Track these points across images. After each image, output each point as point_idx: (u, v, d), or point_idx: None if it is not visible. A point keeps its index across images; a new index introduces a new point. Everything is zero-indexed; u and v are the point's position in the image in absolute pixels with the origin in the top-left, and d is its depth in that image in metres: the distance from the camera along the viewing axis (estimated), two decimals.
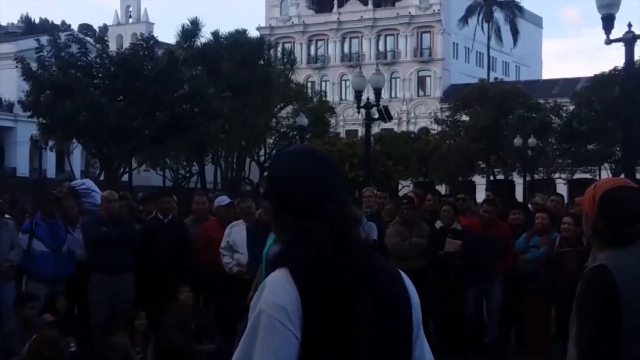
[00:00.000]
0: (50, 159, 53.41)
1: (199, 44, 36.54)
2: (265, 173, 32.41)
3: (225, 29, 43.77)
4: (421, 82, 71.56)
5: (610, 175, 46.10)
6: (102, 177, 33.37)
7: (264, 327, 2.21)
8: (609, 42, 13.61)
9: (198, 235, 10.06)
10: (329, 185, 2.34)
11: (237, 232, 9.51)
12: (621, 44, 13.85)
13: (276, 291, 2.24)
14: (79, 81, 28.75)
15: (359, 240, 2.38)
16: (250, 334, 2.24)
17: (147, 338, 8.86)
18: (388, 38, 72.33)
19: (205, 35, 37.11)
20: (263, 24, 75.37)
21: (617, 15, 13.64)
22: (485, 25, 65.33)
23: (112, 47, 41.98)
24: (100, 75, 30.78)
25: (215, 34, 36.35)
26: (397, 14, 70.77)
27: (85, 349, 8.70)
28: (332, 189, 2.34)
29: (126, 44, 40.70)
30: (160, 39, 34.89)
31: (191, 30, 36.33)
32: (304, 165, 2.35)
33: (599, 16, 13.54)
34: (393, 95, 69.84)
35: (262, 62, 36.88)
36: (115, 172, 32.29)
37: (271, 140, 47.21)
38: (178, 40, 36.93)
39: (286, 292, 2.23)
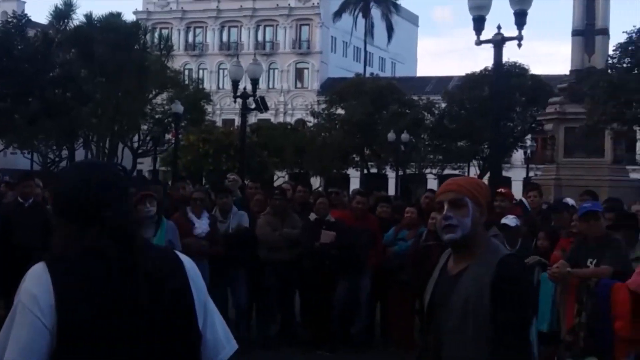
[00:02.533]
0: None
1: (72, 25, 35.44)
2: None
3: (101, 11, 42.68)
4: (299, 74, 71.86)
5: (478, 171, 47.61)
6: None
7: (18, 316, 2.35)
8: (479, 42, 13.99)
9: None
10: (107, 194, 2.54)
11: None
12: (491, 45, 14.23)
13: (32, 281, 2.40)
14: None
15: (141, 238, 2.59)
16: (8, 323, 2.37)
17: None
18: (267, 29, 72.28)
19: (79, 17, 36.06)
20: (140, 8, 73.89)
21: (488, 17, 14.04)
22: (362, 21, 66.11)
23: None
24: None
25: (88, 16, 35.35)
26: (277, 5, 70.78)
27: None
28: (110, 198, 2.54)
29: None
30: (33, 18, 33.71)
31: (64, 11, 35.17)
32: (82, 178, 2.56)
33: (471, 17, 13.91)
34: (271, 86, 69.85)
35: (138, 47, 36.15)
36: None
37: (146, 127, 46.41)
38: (51, 21, 35.71)
39: (41, 282, 2.39)
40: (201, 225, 9.54)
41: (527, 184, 12.49)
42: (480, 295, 3.25)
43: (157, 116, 46.17)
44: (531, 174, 44.39)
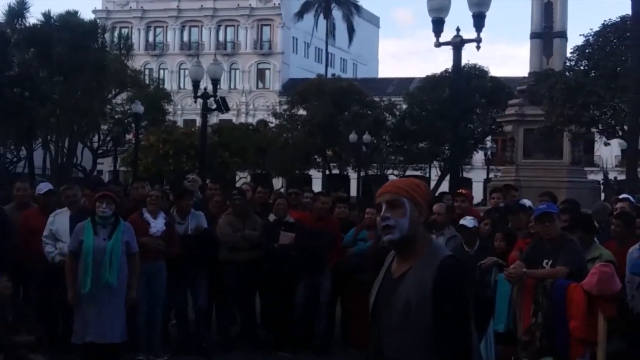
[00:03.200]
0: None
1: (28, 24, 34.94)
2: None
3: (59, 10, 42.14)
4: (260, 75, 71.72)
5: (439, 172, 47.89)
6: None
7: None
8: (438, 45, 14.08)
9: (18, 223, 9.62)
10: None
11: (60, 221, 9.20)
12: (451, 47, 14.33)
13: None
14: None
15: None
16: None
17: None
18: (228, 29, 72.03)
19: (36, 16, 35.61)
20: (100, 7, 73.20)
21: (447, 19, 14.13)
22: (324, 22, 66.16)
23: None
24: None
25: (46, 14, 34.89)
26: (238, 5, 70.57)
27: None
28: None
29: None
30: None
31: (18, 10, 34.63)
32: None
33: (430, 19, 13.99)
34: (232, 87, 69.64)
35: (97, 46, 35.78)
36: None
37: (105, 127, 45.99)
38: (6, 19, 35.16)
39: None
40: (156, 225, 9.47)
41: (505, 186, 12.54)
42: (422, 298, 3.28)
43: (117, 116, 45.78)
44: (491, 175, 44.80)
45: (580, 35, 24.33)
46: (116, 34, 43.70)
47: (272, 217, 10.49)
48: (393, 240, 3.44)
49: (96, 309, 7.82)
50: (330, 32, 66.46)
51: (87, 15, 41.78)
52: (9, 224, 9.45)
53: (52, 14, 35.01)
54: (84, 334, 7.85)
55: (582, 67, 23.70)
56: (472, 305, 3.37)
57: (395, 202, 3.45)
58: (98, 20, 42.13)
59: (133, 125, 39.51)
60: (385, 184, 3.60)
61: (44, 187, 10.04)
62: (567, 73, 23.02)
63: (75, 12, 36.28)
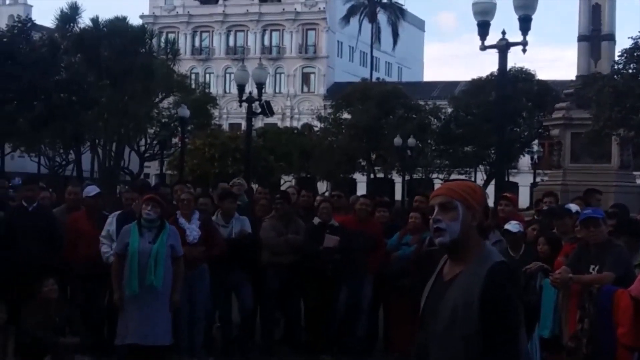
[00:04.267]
0: None
1: (77, 29, 35.49)
2: None
3: (108, 15, 42.73)
4: (305, 79, 71.88)
5: (484, 176, 47.53)
6: None
7: None
8: (483, 48, 13.99)
9: (66, 226, 9.76)
10: None
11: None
12: (496, 50, 14.23)
13: None
14: None
15: None
16: None
17: (6, 332, 8.55)
18: (273, 33, 72.33)
19: (85, 21, 36.15)
20: (147, 13, 74.01)
21: (492, 22, 14.04)
22: (369, 26, 66.09)
23: None
24: None
25: (94, 20, 35.41)
26: (283, 9, 70.85)
27: None
28: None
29: (2, 25, 39.19)
30: (39, 21, 33.82)
31: (70, 15, 35.21)
32: None
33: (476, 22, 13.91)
34: (277, 91, 69.89)
35: (144, 51, 36.21)
36: None
37: (152, 131, 46.49)
38: (57, 25, 35.77)
39: None
40: (192, 231, 9.39)
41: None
42: (469, 304, 3.24)
43: (163, 120, 46.26)
44: (538, 179, 44.31)
45: (628, 38, 23.90)
46: (163, 39, 44.20)
47: (316, 221, 10.48)
48: (443, 243, 3.41)
49: (140, 311, 7.88)
50: (376, 35, 66.37)
51: (134, 20, 42.23)
52: (57, 227, 9.58)
53: (99, 20, 35.53)
54: (126, 335, 7.92)
55: (630, 70, 23.33)
56: (521, 312, 3.32)
57: (448, 205, 3.41)
58: (146, 26, 42.62)
59: (179, 129, 39.88)
60: (440, 186, 3.57)
61: (91, 190, 10.17)
62: (615, 76, 22.68)
63: (124, 18, 36.80)
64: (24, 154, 45.20)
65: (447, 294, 3.35)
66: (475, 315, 3.22)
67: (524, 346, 3.37)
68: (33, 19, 32.76)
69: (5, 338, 8.52)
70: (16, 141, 35.89)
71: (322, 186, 52.51)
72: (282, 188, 30.70)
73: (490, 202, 11.58)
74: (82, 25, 35.76)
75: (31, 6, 70.83)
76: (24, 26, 30.55)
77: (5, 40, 29.72)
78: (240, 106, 25.48)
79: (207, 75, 71.54)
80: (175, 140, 47.80)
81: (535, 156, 49.63)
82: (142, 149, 47.81)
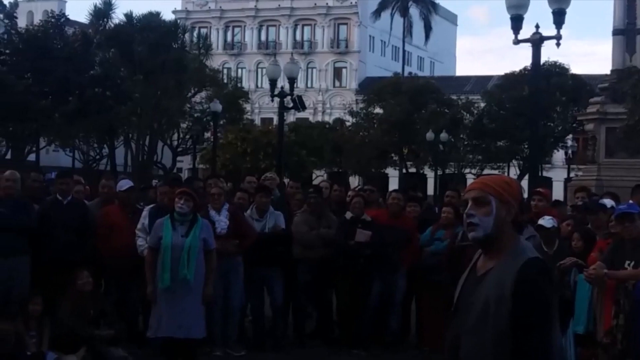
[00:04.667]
0: None
1: (111, 24, 35.80)
2: None
3: (140, 10, 43.00)
4: (337, 73, 71.81)
5: (518, 171, 47.20)
6: (8, 156, 32.51)
7: None
8: (517, 42, 13.89)
9: (99, 219, 9.86)
10: None
11: None
12: (529, 44, 14.11)
13: None
14: None
15: None
16: None
17: (41, 323, 8.65)
18: (305, 28, 72.33)
19: (118, 16, 36.47)
20: (179, 8, 74.37)
21: (526, 16, 13.92)
22: (400, 20, 65.84)
23: (22, 23, 40.82)
24: (7, 51, 29.91)
25: (128, 15, 35.68)
26: (315, 4, 70.78)
27: None
28: None
29: (37, 20, 39.59)
30: (72, 17, 34.14)
31: (104, 10, 35.52)
32: None
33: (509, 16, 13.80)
34: (309, 85, 69.90)
35: (176, 46, 36.42)
36: (22, 151, 31.51)
37: (185, 125, 46.75)
38: (91, 20, 36.10)
39: None
40: (220, 222, 9.45)
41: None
42: (501, 300, 3.21)
43: (196, 115, 46.49)
44: (572, 174, 43.93)
45: None
46: (195, 34, 44.40)
47: (348, 215, 10.48)
48: (476, 238, 3.39)
49: (173, 304, 7.93)
50: (408, 30, 66.11)
51: (167, 15, 42.54)
52: (90, 220, 9.68)
53: (133, 15, 35.81)
54: (159, 328, 7.97)
55: None
56: (555, 309, 3.28)
57: (481, 200, 3.38)
58: (178, 21, 42.86)
59: (212, 123, 40.06)
60: (474, 180, 3.55)
61: (124, 184, 10.25)
62: None
63: (158, 13, 37.06)
64: (59, 148, 45.65)
65: (479, 289, 3.33)
66: (507, 311, 3.19)
67: (557, 343, 3.33)
68: (67, 14, 33.06)
69: (41, 329, 8.63)
70: (51, 135, 36.26)
71: (354, 181, 52.45)
72: (314, 183, 30.75)
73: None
74: (115, 21, 36.09)
75: (65, 1, 71.48)
76: (58, 21, 30.85)
77: (39, 35, 30.03)
78: (272, 101, 25.54)
79: (239, 70, 71.73)
80: (207, 134, 48.04)
81: (570, 151, 49.18)
82: (175, 143, 48.10)
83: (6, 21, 33.00)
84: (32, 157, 36.13)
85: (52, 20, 31.08)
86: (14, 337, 8.22)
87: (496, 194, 3.37)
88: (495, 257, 3.36)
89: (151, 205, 9.73)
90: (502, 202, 3.37)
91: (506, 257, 3.31)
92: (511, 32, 13.92)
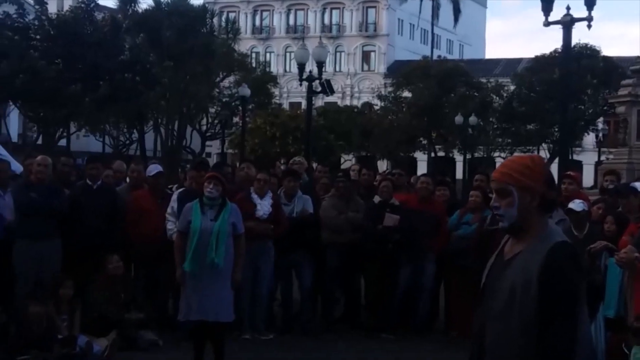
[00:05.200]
0: None
1: (139, 9, 35.91)
2: None
3: None
4: (366, 57, 71.56)
5: (548, 155, 46.85)
6: (39, 141, 32.83)
7: None
8: (547, 24, 13.77)
9: (129, 204, 9.93)
10: None
11: None
12: (560, 26, 13.98)
13: None
14: (15, 44, 28.11)
15: None
16: None
17: (73, 306, 8.75)
18: (334, 11, 72.07)
19: (146, 1, 36.63)
20: None
21: None
22: (429, 3, 65.39)
23: (52, 9, 41.09)
24: (38, 37, 30.13)
25: (156, 0, 35.76)
26: None
27: (12, 318, 8.56)
28: None
29: (67, 6, 39.82)
30: (101, 2, 34.27)
31: None
32: None
33: None
34: (337, 69, 69.73)
35: (205, 31, 36.46)
36: (52, 137, 31.79)
37: (213, 110, 46.86)
38: (119, 5, 36.23)
39: None
40: (263, 207, 9.59)
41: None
42: (528, 284, 3.17)
43: (224, 99, 46.57)
44: (603, 157, 43.53)
45: None
46: (223, 18, 44.41)
47: (376, 199, 10.46)
48: (504, 228, 3.39)
49: (202, 288, 7.96)
50: (436, 13, 65.66)
51: (195, 0, 42.56)
52: (120, 205, 9.76)
53: (161, 0, 35.88)
54: (189, 312, 8.02)
55: None
56: (583, 295, 3.24)
57: (503, 191, 3.35)
58: (206, 5, 42.89)
59: (240, 108, 40.13)
60: (497, 168, 3.51)
61: (153, 169, 10.31)
62: None
63: None
64: (89, 134, 46.00)
65: (506, 273, 3.30)
66: (533, 296, 3.16)
67: (585, 329, 3.29)
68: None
69: (72, 313, 8.72)
70: (81, 121, 36.54)
71: (382, 165, 52.37)
72: (342, 167, 30.73)
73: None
74: (143, 6, 36.20)
75: None
76: (88, 7, 31.02)
77: (70, 21, 30.24)
78: (301, 85, 25.53)
79: (268, 54, 71.71)
80: (236, 119, 48.11)
81: (600, 134, 48.71)
82: (204, 128, 48.23)
83: (37, 7, 33.24)
84: (62, 142, 36.46)
85: (82, 5, 31.26)
86: (45, 320, 8.32)
87: (516, 182, 3.32)
88: (523, 241, 3.33)
89: (180, 189, 9.80)
90: (523, 190, 3.32)
91: (534, 241, 3.27)
92: (542, 13, 13.80)
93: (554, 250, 3.19)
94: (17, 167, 10.18)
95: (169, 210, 9.48)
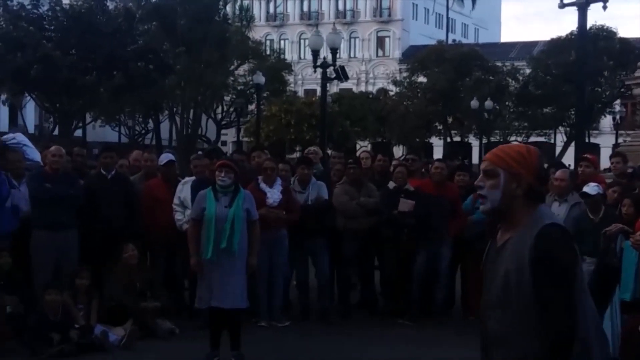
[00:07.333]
0: (3, 113, 52.36)
1: None
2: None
3: None
4: (380, 43, 71.34)
5: (564, 138, 46.60)
6: (56, 132, 32.96)
7: None
8: (562, 5, 13.68)
9: (142, 193, 9.96)
10: None
11: (188, 189, 9.49)
12: (576, 8, 13.88)
13: None
14: (30, 35, 28.19)
15: None
16: None
17: (90, 296, 8.79)
18: None
19: None
20: None
21: None
22: None
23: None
24: (52, 28, 30.21)
25: None
26: None
27: (29, 308, 8.61)
28: None
29: None
30: None
31: None
32: None
33: None
34: (352, 55, 69.58)
35: (218, 19, 36.42)
36: (68, 127, 31.91)
37: (228, 98, 46.89)
38: None
39: None
40: (273, 195, 9.58)
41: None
42: (521, 270, 3.14)
43: (239, 87, 46.61)
44: (620, 140, 43.24)
45: None
46: (237, 5, 44.34)
47: (391, 185, 10.44)
48: (484, 210, 3.34)
49: (219, 275, 7.97)
50: None
51: None
52: (134, 193, 9.79)
53: None
54: (208, 299, 8.03)
55: None
56: (579, 275, 3.20)
57: (490, 172, 3.30)
58: None
59: (255, 96, 40.14)
60: (493, 149, 3.47)
61: (164, 158, 10.34)
62: None
63: None
64: (105, 124, 46.16)
65: (498, 260, 3.27)
66: (528, 281, 3.12)
67: (588, 309, 3.22)
68: None
69: (89, 302, 8.77)
70: (97, 111, 36.64)
71: (398, 151, 52.27)
72: (358, 153, 30.68)
73: (571, 163, 11.31)
74: None
75: None
76: None
77: (83, 11, 30.27)
78: (315, 72, 25.53)
79: (282, 42, 71.65)
80: (251, 107, 48.17)
81: (617, 116, 48.38)
82: (219, 116, 48.30)
83: None
84: (78, 132, 36.59)
85: None
86: (61, 308, 8.37)
87: (506, 166, 3.27)
88: (510, 229, 3.28)
89: (192, 178, 9.81)
90: (512, 175, 3.27)
91: (522, 228, 3.22)
92: None
93: (542, 234, 3.14)
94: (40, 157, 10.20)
95: (175, 200, 9.51)
